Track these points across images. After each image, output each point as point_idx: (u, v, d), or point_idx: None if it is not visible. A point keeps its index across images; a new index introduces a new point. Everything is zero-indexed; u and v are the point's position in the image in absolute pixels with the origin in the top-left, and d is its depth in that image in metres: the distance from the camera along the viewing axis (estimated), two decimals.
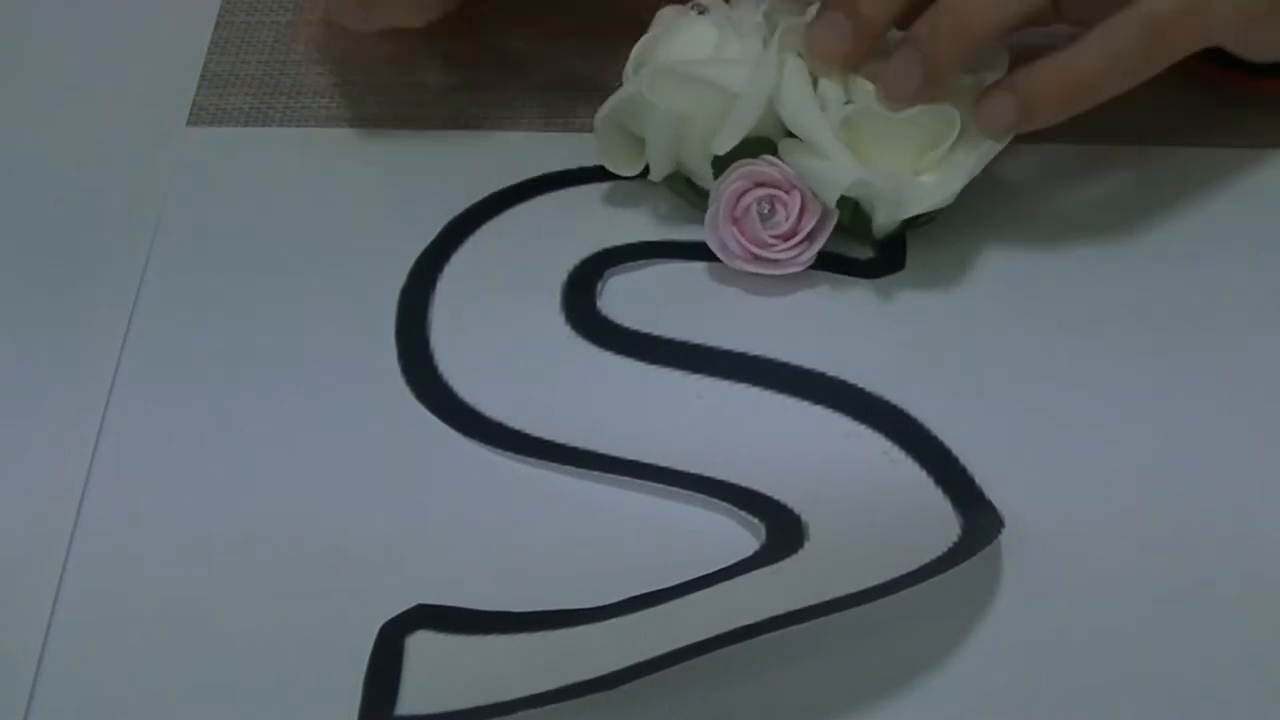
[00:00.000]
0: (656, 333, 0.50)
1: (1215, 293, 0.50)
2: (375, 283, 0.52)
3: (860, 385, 0.49)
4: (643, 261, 0.52)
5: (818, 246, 0.50)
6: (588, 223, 0.53)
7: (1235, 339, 0.49)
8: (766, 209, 0.50)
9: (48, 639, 0.44)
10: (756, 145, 0.50)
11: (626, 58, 0.52)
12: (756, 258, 0.50)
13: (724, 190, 0.50)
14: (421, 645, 0.44)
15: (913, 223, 0.51)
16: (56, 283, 0.52)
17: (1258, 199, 0.52)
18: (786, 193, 0.50)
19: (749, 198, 0.50)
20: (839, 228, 0.50)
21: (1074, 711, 0.43)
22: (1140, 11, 0.47)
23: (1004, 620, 0.44)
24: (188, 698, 0.44)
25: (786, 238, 0.50)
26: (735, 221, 0.50)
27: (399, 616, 0.44)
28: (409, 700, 0.42)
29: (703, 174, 0.51)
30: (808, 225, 0.50)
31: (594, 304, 0.51)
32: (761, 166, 0.50)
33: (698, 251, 0.52)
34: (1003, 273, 0.51)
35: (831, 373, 0.49)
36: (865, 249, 0.52)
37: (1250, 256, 0.51)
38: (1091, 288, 0.51)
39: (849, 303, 0.51)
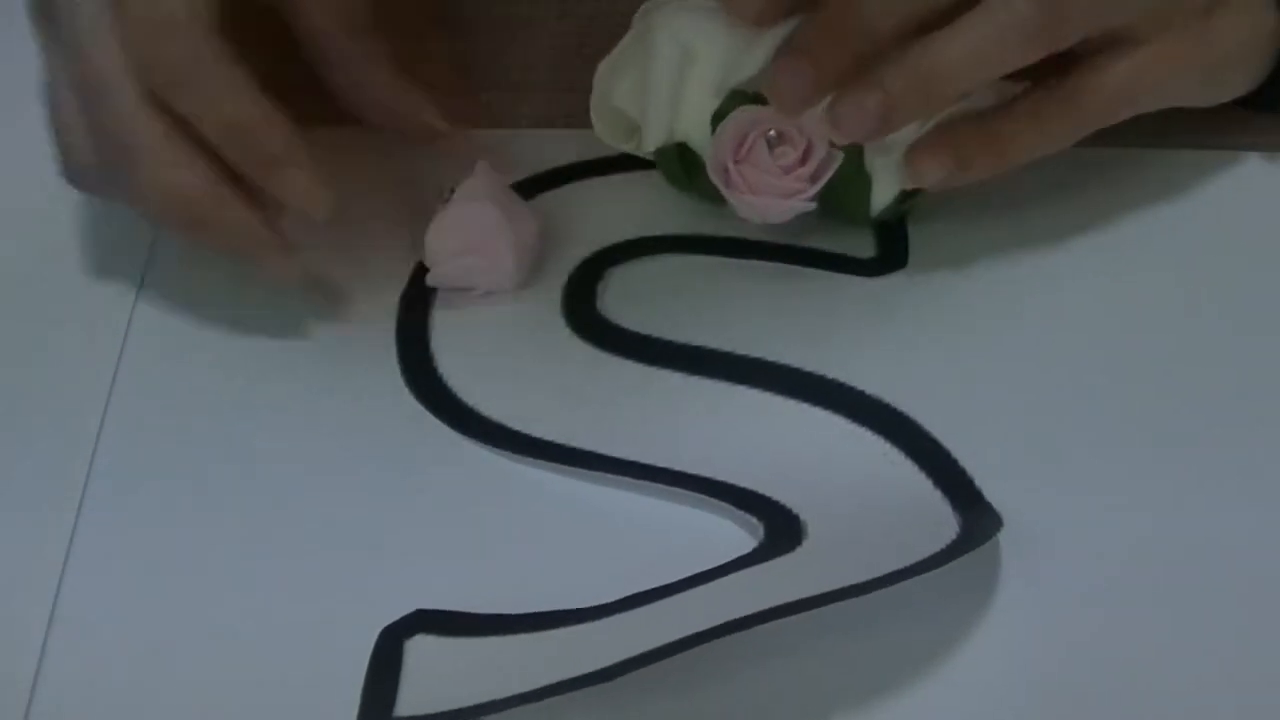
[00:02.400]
0: (656, 333, 0.50)
1: (1216, 293, 0.50)
2: (375, 283, 0.52)
3: (860, 388, 0.48)
4: (643, 258, 0.52)
5: (821, 184, 0.49)
6: (587, 219, 0.53)
7: (1236, 340, 0.49)
8: (774, 136, 0.48)
9: (48, 640, 0.45)
10: (756, 100, 0.49)
11: None
12: (762, 190, 0.49)
13: (725, 130, 0.49)
14: (421, 649, 0.44)
15: (911, 196, 0.50)
16: (57, 281, 0.52)
17: (1259, 201, 0.52)
18: (791, 131, 0.49)
19: (754, 134, 0.49)
20: (835, 211, 0.50)
21: (1073, 712, 0.42)
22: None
23: (1003, 621, 0.44)
24: (187, 701, 0.44)
25: (792, 169, 0.49)
26: (740, 160, 0.49)
27: (398, 621, 0.44)
28: (408, 705, 0.42)
29: (699, 139, 0.50)
30: (813, 161, 0.49)
31: (594, 305, 0.51)
32: (765, 111, 0.48)
33: (697, 246, 0.52)
34: (1004, 273, 0.51)
35: (832, 371, 0.49)
36: (866, 245, 0.52)
37: (1252, 258, 0.51)
38: (1093, 289, 0.51)
39: (850, 300, 0.51)
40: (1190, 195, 0.52)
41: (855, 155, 0.49)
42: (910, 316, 0.50)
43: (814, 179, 0.49)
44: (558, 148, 0.54)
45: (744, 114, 0.49)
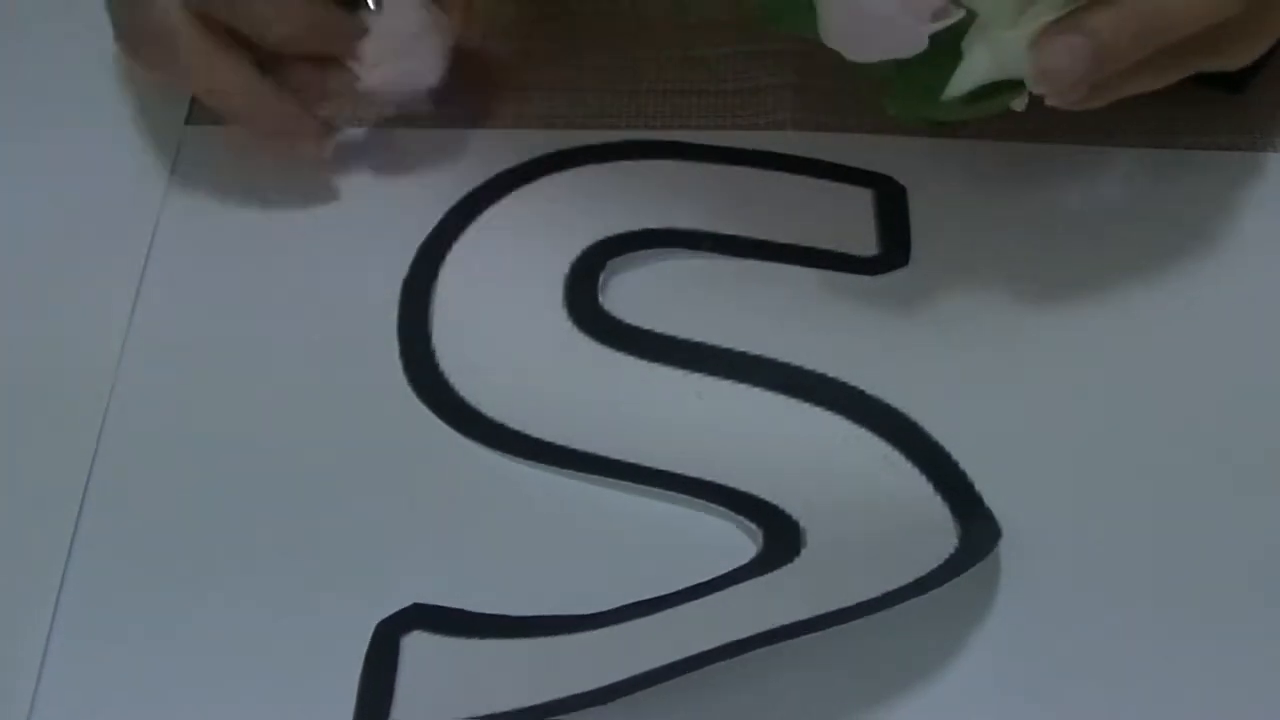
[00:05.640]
0: (658, 327, 0.50)
1: (1218, 295, 0.50)
2: (376, 280, 0.51)
3: (861, 387, 0.48)
4: (644, 251, 0.52)
5: (934, 28, 0.43)
6: (590, 209, 0.53)
7: (1238, 343, 0.49)
8: None
9: (50, 636, 0.45)
10: None
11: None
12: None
13: None
14: (417, 646, 0.44)
15: (988, 99, 0.46)
16: (57, 281, 0.52)
17: (1260, 201, 0.52)
18: None
19: None
20: (914, 77, 0.45)
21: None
22: None
23: (1001, 627, 0.44)
24: (184, 698, 0.44)
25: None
26: None
27: (394, 615, 0.44)
28: (405, 704, 0.43)
29: None
30: (935, 2, 0.44)
31: (595, 298, 0.51)
32: None
33: (699, 241, 0.52)
34: (1005, 271, 0.51)
35: (833, 370, 0.49)
36: (868, 243, 0.51)
37: (1253, 258, 0.51)
38: (1094, 288, 0.50)
39: (851, 299, 0.51)
40: (1192, 196, 0.52)
41: (963, 26, 0.44)
42: (912, 315, 0.50)
43: (935, 17, 0.43)
44: (559, 146, 0.54)
45: None
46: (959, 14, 0.44)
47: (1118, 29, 0.43)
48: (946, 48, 0.45)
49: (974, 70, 0.45)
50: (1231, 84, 0.52)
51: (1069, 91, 0.45)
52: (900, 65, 0.44)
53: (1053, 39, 0.44)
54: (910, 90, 0.46)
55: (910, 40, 0.43)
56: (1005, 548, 0.44)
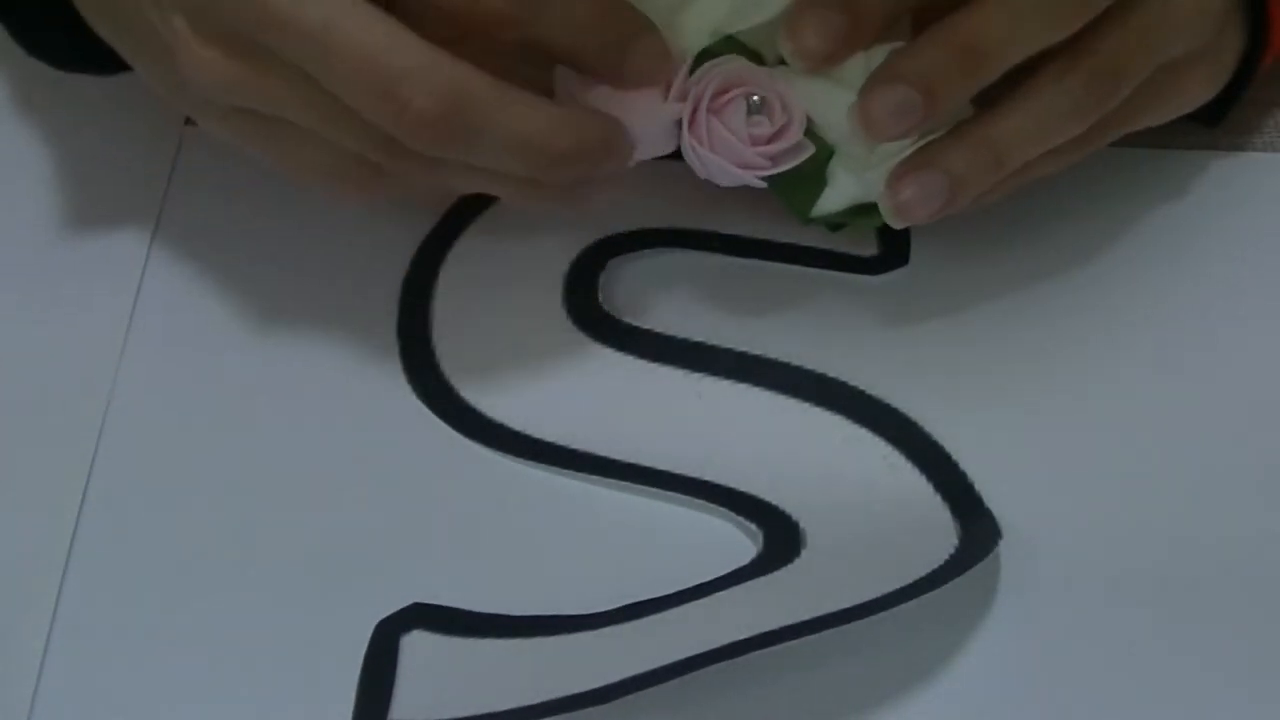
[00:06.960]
0: (658, 327, 0.50)
1: (1219, 296, 0.50)
2: (376, 280, 0.51)
3: (862, 388, 0.48)
4: (644, 250, 0.52)
5: (780, 169, 0.45)
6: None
7: (1238, 345, 0.49)
8: (756, 101, 0.45)
9: (50, 638, 0.45)
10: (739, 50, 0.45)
11: None
12: (720, 150, 0.45)
13: (712, 73, 0.45)
14: (417, 645, 0.44)
15: (859, 215, 0.47)
16: (57, 281, 0.52)
17: (1260, 202, 0.52)
18: (775, 104, 0.45)
19: (739, 91, 0.45)
20: (778, 196, 0.47)
21: None
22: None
23: (1001, 627, 0.44)
24: (183, 698, 0.44)
25: (760, 142, 0.45)
26: (715, 110, 0.45)
27: (394, 615, 0.44)
28: (404, 703, 0.43)
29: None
30: (783, 143, 0.45)
31: (595, 297, 0.51)
32: (759, 73, 0.45)
33: (699, 240, 0.52)
34: (1006, 270, 0.51)
35: (833, 370, 0.49)
36: (868, 243, 0.51)
37: (1251, 260, 0.51)
38: (1095, 287, 0.50)
39: (851, 298, 0.51)
40: (1192, 197, 0.52)
41: (822, 156, 0.46)
42: (912, 315, 0.50)
43: (775, 161, 0.45)
44: None
45: (738, 65, 0.45)
46: (808, 152, 0.45)
47: (970, 160, 0.44)
48: (812, 174, 0.46)
49: (839, 194, 0.46)
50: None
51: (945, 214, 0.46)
52: (771, 185, 0.46)
53: (906, 176, 0.44)
54: (789, 202, 0.47)
55: (754, 181, 0.45)
56: (1005, 548, 0.44)
